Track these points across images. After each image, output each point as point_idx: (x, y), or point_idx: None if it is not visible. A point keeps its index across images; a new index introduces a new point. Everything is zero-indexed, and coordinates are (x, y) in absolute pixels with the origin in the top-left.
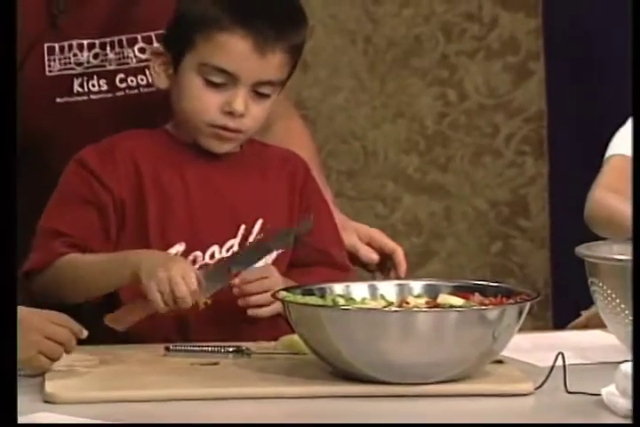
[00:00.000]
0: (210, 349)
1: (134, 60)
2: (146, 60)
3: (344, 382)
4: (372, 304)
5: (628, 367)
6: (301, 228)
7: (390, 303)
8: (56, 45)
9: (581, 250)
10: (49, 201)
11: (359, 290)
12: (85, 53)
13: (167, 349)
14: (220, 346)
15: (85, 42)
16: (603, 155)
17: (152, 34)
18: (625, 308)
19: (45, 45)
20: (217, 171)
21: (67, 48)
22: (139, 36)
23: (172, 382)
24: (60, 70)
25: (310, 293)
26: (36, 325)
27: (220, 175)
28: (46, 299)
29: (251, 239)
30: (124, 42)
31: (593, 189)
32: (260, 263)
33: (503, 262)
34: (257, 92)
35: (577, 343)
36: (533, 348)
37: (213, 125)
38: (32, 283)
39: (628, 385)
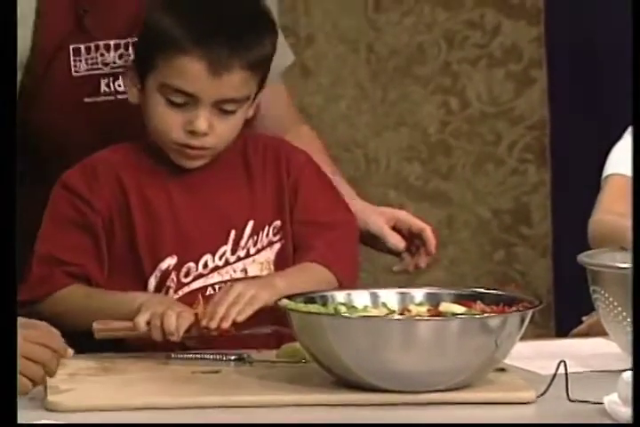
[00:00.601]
0: (211, 357)
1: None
2: None
3: (346, 391)
4: (374, 312)
5: (630, 376)
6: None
7: (392, 311)
8: (82, 46)
9: (583, 258)
10: (42, 224)
11: (361, 298)
12: (112, 53)
13: (169, 357)
14: (222, 354)
15: (112, 42)
16: (604, 163)
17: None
18: (627, 316)
19: (71, 46)
20: (200, 179)
21: (93, 48)
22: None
23: (173, 390)
24: (86, 70)
25: (312, 301)
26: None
27: (203, 183)
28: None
29: (242, 243)
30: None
31: (594, 213)
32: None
33: (505, 270)
34: (221, 109)
35: (579, 351)
36: (535, 356)
37: (178, 144)
38: (27, 311)
39: (630, 394)
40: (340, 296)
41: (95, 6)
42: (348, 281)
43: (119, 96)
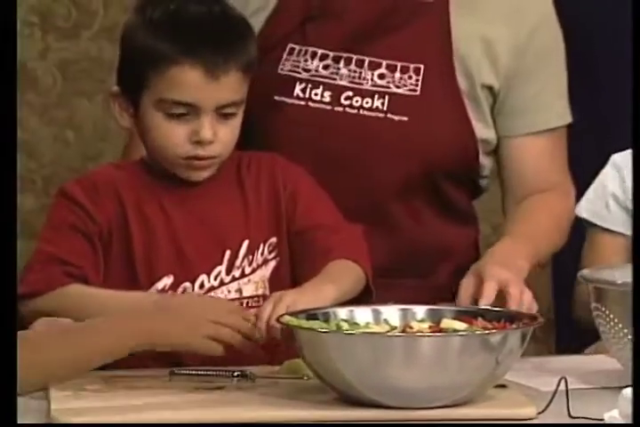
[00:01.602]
0: (214, 373)
1: (369, 82)
2: (381, 86)
3: (348, 407)
4: (376, 329)
5: (630, 392)
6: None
7: (394, 328)
8: (296, 47)
9: (584, 274)
10: (43, 229)
11: (363, 315)
12: (316, 62)
13: (172, 373)
14: (225, 370)
15: (320, 51)
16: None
17: (398, 64)
18: (627, 333)
19: (289, 45)
20: (196, 198)
21: (303, 52)
22: (383, 63)
23: (176, 405)
24: (289, 71)
25: (314, 317)
26: (206, 310)
27: (199, 202)
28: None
29: (237, 263)
30: (365, 63)
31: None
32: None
33: None
34: (222, 114)
35: (580, 368)
36: (536, 372)
37: (186, 157)
38: (24, 306)
39: (631, 410)
40: (342, 313)
41: (322, 15)
42: (370, 275)
43: (310, 103)
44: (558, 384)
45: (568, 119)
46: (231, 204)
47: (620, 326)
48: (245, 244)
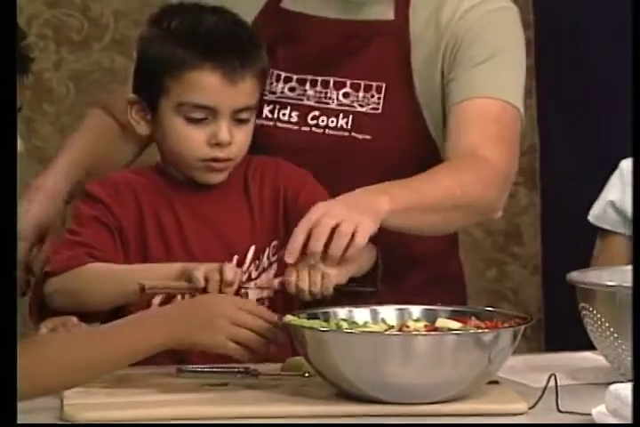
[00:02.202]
0: (219, 370)
1: (335, 102)
2: (346, 105)
3: (347, 403)
4: (374, 328)
5: (617, 388)
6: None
7: (391, 327)
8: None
9: (572, 276)
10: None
11: (361, 314)
12: (281, 84)
13: (179, 370)
14: (229, 367)
15: (284, 74)
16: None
17: (362, 83)
18: (614, 331)
19: None
20: (206, 204)
21: (269, 75)
22: (348, 82)
23: (183, 402)
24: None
25: (315, 317)
26: (225, 311)
27: (209, 208)
28: (58, 304)
29: (244, 268)
30: (331, 83)
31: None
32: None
33: (498, 288)
34: (237, 118)
35: (568, 365)
36: (527, 369)
37: (204, 159)
38: (49, 286)
39: (618, 405)
40: (342, 313)
41: (287, 40)
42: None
43: (278, 124)
44: (548, 381)
45: (501, 94)
46: (238, 210)
47: (607, 325)
48: (252, 249)
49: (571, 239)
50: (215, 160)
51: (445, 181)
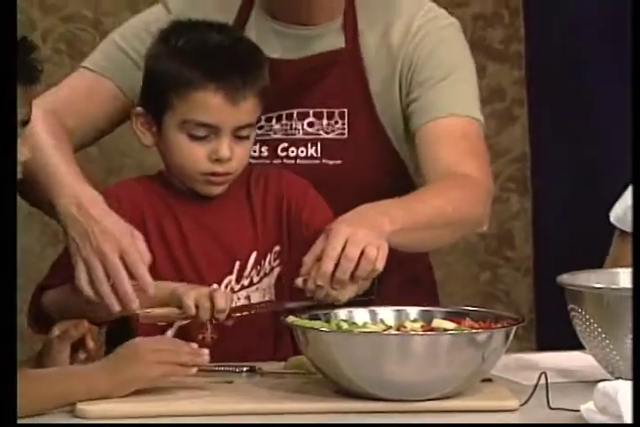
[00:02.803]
0: (225, 368)
1: (301, 131)
2: (312, 134)
3: (347, 399)
4: (373, 328)
5: (605, 386)
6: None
7: (389, 327)
8: None
9: (562, 279)
10: None
11: (361, 315)
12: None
13: None
14: (235, 366)
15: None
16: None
17: (324, 111)
18: (602, 331)
19: None
20: (208, 212)
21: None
22: (310, 111)
23: (191, 398)
24: None
25: (316, 318)
26: (147, 348)
27: (211, 216)
28: (58, 313)
29: (245, 273)
30: (294, 115)
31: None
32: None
33: (491, 290)
34: (237, 135)
35: (559, 364)
36: (519, 368)
37: (204, 173)
38: (44, 297)
39: (606, 402)
40: (342, 313)
41: (312, 77)
42: None
43: (251, 160)
44: (539, 379)
45: (464, 110)
46: (240, 218)
47: (595, 325)
48: (253, 255)
49: (560, 243)
50: (214, 174)
51: (435, 201)
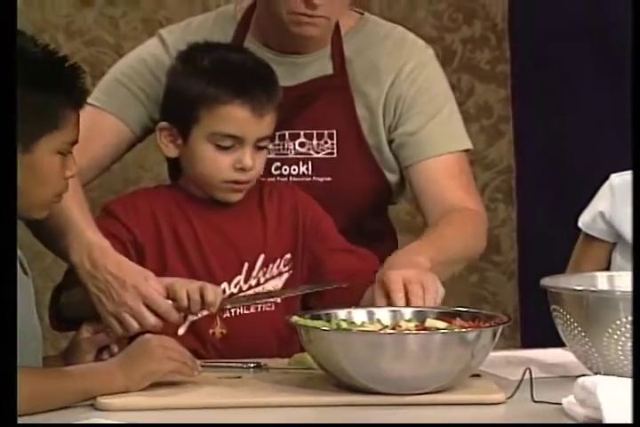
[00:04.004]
0: (234, 365)
1: (292, 151)
2: (303, 153)
3: (347, 393)
4: (370, 327)
5: (584, 380)
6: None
7: (385, 326)
8: None
9: (545, 282)
10: None
11: (359, 315)
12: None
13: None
14: (243, 362)
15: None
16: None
17: (314, 132)
18: (581, 330)
19: None
20: (221, 218)
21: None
22: (301, 133)
23: (201, 392)
24: None
25: (318, 317)
26: (156, 343)
27: (224, 222)
28: (76, 312)
29: (253, 274)
30: (286, 136)
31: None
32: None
33: (479, 291)
34: (257, 146)
35: (542, 360)
36: (505, 364)
37: (227, 181)
38: (63, 297)
39: (585, 396)
40: (342, 314)
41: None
42: None
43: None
44: (524, 374)
45: (460, 145)
46: (251, 224)
47: (575, 324)
48: (261, 258)
49: (543, 249)
50: (237, 182)
51: (458, 237)
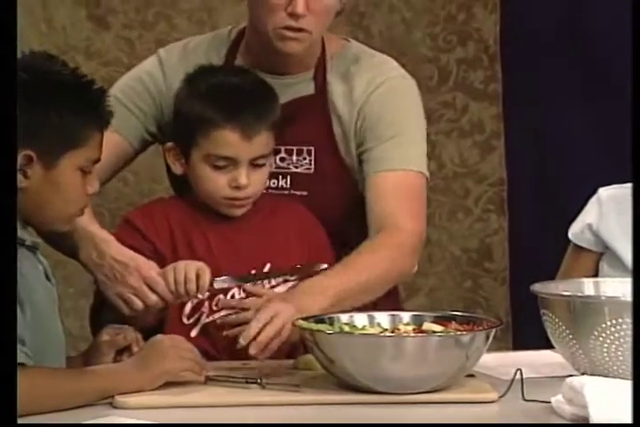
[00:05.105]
0: (233, 379)
1: (273, 165)
2: (282, 168)
3: (349, 392)
4: (371, 330)
5: (572, 380)
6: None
7: (385, 330)
8: None
9: (535, 287)
10: None
11: (360, 319)
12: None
13: (207, 378)
14: (243, 378)
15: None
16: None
17: (294, 148)
18: (569, 333)
19: None
20: (232, 228)
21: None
22: (282, 148)
23: (212, 391)
24: None
25: (322, 321)
26: (169, 344)
27: (234, 232)
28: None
29: (260, 281)
30: None
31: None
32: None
33: (473, 296)
34: (254, 164)
35: (532, 361)
36: (497, 365)
37: (226, 198)
38: (101, 316)
39: (573, 395)
40: (344, 317)
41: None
42: None
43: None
44: (515, 374)
45: (411, 165)
46: (258, 235)
47: (564, 328)
48: (267, 266)
49: (533, 256)
50: (235, 199)
51: (367, 267)
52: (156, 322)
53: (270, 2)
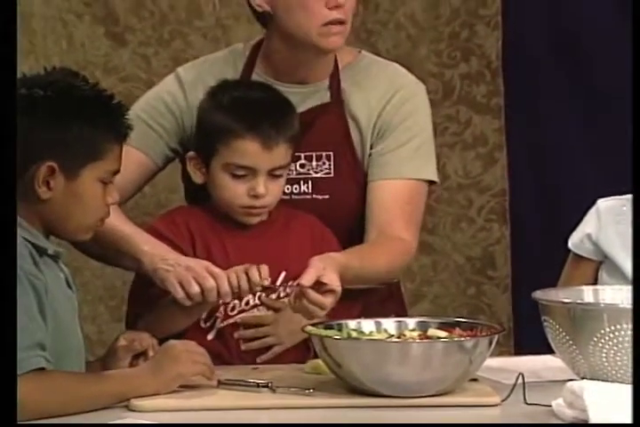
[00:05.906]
0: (243, 383)
1: (294, 172)
2: (303, 173)
3: (356, 396)
4: (378, 336)
5: (572, 384)
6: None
7: (391, 335)
8: None
9: (536, 295)
10: None
11: (368, 325)
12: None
13: (218, 382)
14: (253, 382)
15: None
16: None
17: (314, 154)
18: (569, 339)
19: None
20: (248, 237)
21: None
22: (302, 155)
23: (223, 394)
24: None
25: (330, 327)
26: (181, 348)
27: (250, 240)
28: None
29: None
30: None
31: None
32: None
33: (476, 303)
34: (272, 174)
35: (533, 366)
36: (500, 369)
37: (244, 206)
38: (141, 322)
39: (573, 399)
40: (352, 324)
41: (305, 127)
42: None
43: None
44: (517, 378)
45: (416, 174)
46: (274, 243)
47: (564, 334)
48: (283, 274)
49: (534, 264)
50: (252, 207)
51: (375, 259)
52: (191, 321)
53: (309, 2)
